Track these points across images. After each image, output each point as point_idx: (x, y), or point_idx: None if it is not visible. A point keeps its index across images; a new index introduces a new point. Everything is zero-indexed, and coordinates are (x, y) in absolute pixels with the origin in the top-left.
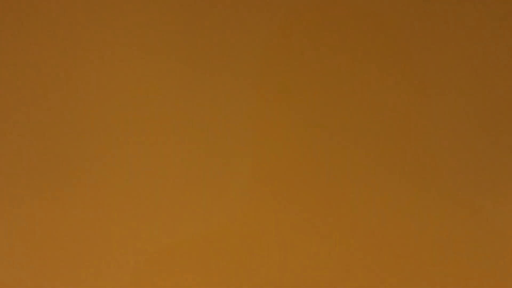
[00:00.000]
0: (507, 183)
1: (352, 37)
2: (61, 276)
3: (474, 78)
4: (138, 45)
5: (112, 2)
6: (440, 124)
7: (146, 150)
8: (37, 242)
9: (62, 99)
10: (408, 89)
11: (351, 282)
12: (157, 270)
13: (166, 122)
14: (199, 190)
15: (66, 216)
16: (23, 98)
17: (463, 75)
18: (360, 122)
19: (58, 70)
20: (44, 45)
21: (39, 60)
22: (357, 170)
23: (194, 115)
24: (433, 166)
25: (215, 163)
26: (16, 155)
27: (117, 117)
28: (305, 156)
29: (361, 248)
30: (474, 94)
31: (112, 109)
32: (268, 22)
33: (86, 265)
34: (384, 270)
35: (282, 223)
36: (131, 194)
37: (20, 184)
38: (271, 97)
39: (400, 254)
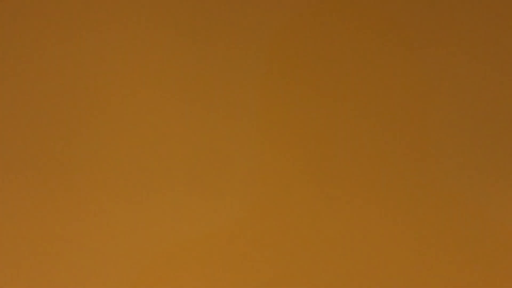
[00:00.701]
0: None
1: (356, 36)
2: (63, 278)
3: (477, 77)
4: (141, 45)
5: None
6: (443, 123)
7: (149, 150)
8: (39, 243)
9: (65, 99)
10: (411, 87)
11: (357, 283)
12: (160, 272)
13: (170, 121)
14: (202, 191)
15: (66, 218)
16: (22, 98)
17: (465, 74)
18: (363, 121)
19: (57, 68)
20: (43, 44)
21: (39, 59)
22: (360, 169)
23: (198, 114)
24: (435, 165)
25: (218, 162)
26: (22, 156)
27: (122, 117)
28: (309, 155)
29: (364, 248)
30: (476, 93)
31: (118, 108)
32: (273, 20)
33: (87, 267)
34: (390, 269)
35: (286, 224)
36: (135, 195)
37: (23, 184)
38: (275, 96)
39: (406, 253)
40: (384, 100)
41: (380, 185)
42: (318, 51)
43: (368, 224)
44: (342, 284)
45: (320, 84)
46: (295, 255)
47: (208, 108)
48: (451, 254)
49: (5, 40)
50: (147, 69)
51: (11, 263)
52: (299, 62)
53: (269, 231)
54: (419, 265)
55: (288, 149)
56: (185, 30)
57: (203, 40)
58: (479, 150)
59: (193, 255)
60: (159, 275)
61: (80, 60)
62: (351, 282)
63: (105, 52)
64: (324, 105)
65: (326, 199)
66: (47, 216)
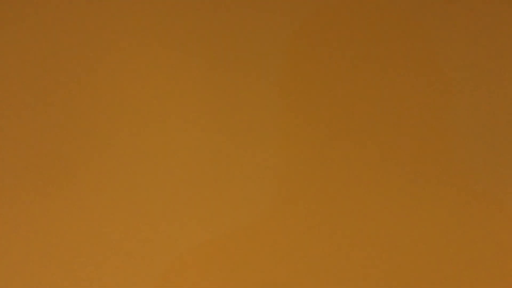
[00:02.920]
0: None
1: (374, 35)
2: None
3: (495, 75)
4: (155, 44)
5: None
6: (462, 121)
7: (167, 152)
8: (46, 249)
9: (71, 100)
10: (430, 86)
11: (371, 281)
12: (177, 274)
13: (187, 124)
14: (222, 192)
15: (73, 225)
16: (23, 98)
17: (484, 73)
18: (383, 120)
19: (63, 69)
20: (45, 45)
21: (41, 60)
22: (377, 170)
23: (216, 116)
24: (456, 164)
25: (235, 165)
26: (37, 158)
27: (143, 120)
28: (328, 156)
29: (380, 247)
30: (495, 91)
31: (137, 110)
32: (289, 21)
33: (98, 275)
34: (406, 269)
35: (304, 225)
36: (154, 196)
37: (28, 188)
38: (293, 96)
39: (424, 252)
40: (405, 99)
41: (396, 184)
42: (336, 53)
43: (385, 224)
44: (357, 283)
45: (335, 86)
46: (311, 256)
47: (224, 110)
48: (469, 252)
49: (6, 39)
50: (161, 70)
51: (14, 264)
52: (315, 63)
53: (285, 232)
54: (441, 263)
55: (304, 151)
56: (205, 30)
57: (218, 41)
58: (500, 148)
59: (209, 256)
60: (177, 277)
61: (87, 59)
62: (366, 282)
63: (115, 50)
64: (341, 107)
65: (348, 200)
66: (55, 221)
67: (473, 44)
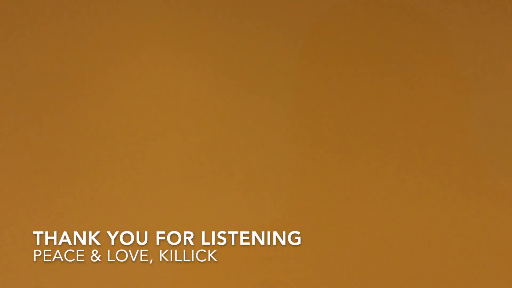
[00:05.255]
0: None
1: (386, 37)
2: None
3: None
4: (169, 35)
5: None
6: (482, 122)
7: (177, 155)
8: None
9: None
10: (450, 87)
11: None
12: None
13: (200, 124)
14: (230, 194)
15: (80, 227)
16: (25, 98)
17: (504, 74)
18: (398, 122)
19: (64, 69)
20: (47, 45)
21: (42, 60)
22: (392, 170)
23: (227, 117)
24: (466, 163)
25: (247, 166)
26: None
27: (156, 121)
28: (341, 158)
29: (398, 247)
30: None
31: (149, 111)
32: (303, 21)
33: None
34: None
35: (315, 227)
36: (162, 199)
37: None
38: (306, 98)
39: (435, 248)
40: (415, 101)
41: (410, 186)
42: (350, 54)
43: (398, 224)
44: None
45: (349, 87)
46: (323, 258)
47: (235, 111)
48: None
49: (7, 39)
50: (172, 71)
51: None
52: (329, 64)
53: (297, 233)
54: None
55: (318, 153)
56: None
57: (230, 42)
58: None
59: (220, 259)
60: (186, 280)
61: (92, 59)
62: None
63: (118, 50)
64: (353, 108)
65: (355, 200)
66: (56, 221)
67: (486, 43)
